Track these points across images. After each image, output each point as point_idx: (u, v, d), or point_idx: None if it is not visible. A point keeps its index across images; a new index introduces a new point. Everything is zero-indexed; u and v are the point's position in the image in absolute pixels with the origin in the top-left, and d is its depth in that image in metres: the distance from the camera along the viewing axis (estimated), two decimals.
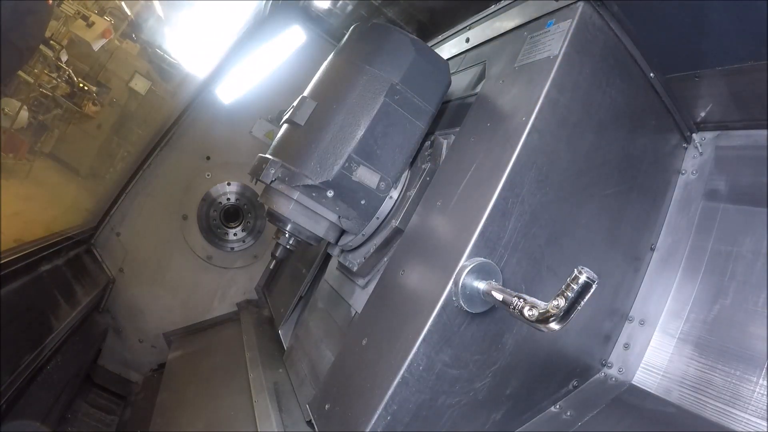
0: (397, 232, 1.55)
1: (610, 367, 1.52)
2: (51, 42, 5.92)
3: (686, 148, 1.62)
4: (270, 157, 1.56)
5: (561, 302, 0.85)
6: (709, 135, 1.58)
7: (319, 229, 1.60)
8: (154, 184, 3.21)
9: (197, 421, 2.14)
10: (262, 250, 3.46)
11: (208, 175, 3.33)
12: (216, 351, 2.95)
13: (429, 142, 1.70)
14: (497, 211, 1.17)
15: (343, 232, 1.70)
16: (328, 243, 1.80)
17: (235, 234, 3.41)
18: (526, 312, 0.91)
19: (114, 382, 3.13)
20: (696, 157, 1.60)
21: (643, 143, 1.48)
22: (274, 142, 1.65)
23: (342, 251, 1.84)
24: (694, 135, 1.60)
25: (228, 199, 3.38)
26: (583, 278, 0.84)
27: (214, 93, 3.24)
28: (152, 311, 3.26)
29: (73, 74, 6.35)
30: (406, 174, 1.64)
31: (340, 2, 3.06)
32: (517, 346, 1.27)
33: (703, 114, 1.53)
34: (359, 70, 1.53)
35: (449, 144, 1.61)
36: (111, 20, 6.76)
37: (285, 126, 1.64)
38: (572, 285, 0.84)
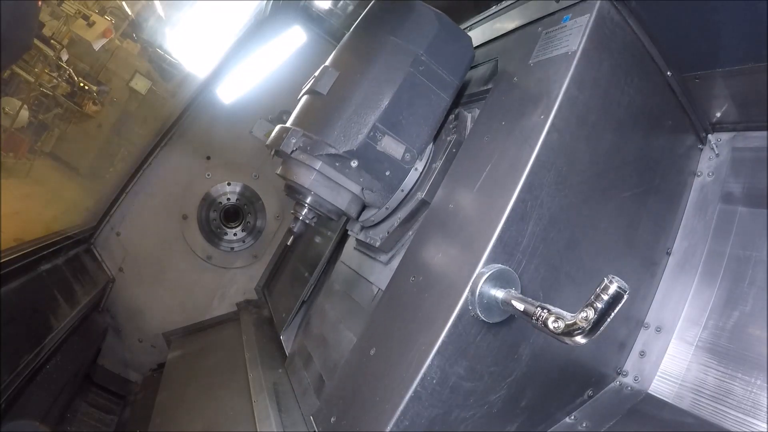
0: (423, 204, 1.50)
1: (626, 376, 1.47)
2: (52, 41, 5.93)
3: (702, 150, 1.57)
4: (291, 126, 1.50)
5: (590, 314, 0.79)
6: (725, 136, 1.53)
7: (341, 202, 1.53)
8: (154, 184, 3.21)
9: (196, 421, 2.14)
10: (262, 250, 3.46)
11: (208, 175, 3.33)
12: (215, 351, 2.95)
13: (453, 116, 1.66)
14: (516, 215, 1.11)
15: (364, 208, 1.66)
16: (346, 221, 1.74)
17: (235, 234, 3.41)
18: (551, 324, 0.85)
19: (113, 381, 3.13)
20: (712, 159, 1.54)
21: (659, 144, 1.44)
22: (294, 114, 1.60)
23: (362, 228, 1.78)
24: (709, 136, 1.55)
25: (228, 199, 3.38)
26: (613, 288, 0.78)
27: (215, 93, 3.24)
28: (152, 311, 3.26)
29: (73, 73, 6.35)
30: (430, 147, 1.59)
31: (341, 2, 3.06)
32: (533, 357, 1.22)
33: (718, 114, 1.49)
34: (383, 41, 1.50)
35: (474, 117, 1.56)
36: (111, 20, 6.77)
37: (305, 97, 1.59)
38: (602, 295, 0.78)
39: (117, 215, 3.16)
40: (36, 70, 5.86)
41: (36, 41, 5.35)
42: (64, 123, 6.80)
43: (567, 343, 0.84)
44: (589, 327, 0.80)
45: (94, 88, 6.86)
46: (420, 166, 1.56)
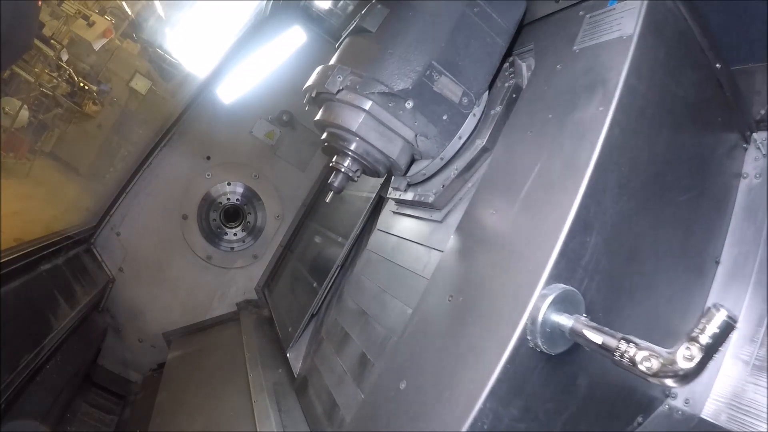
0: (483, 152, 1.38)
1: (675, 398, 1.32)
2: (52, 41, 5.93)
3: (746, 149, 1.44)
4: (336, 64, 1.37)
5: (693, 350, 0.65)
6: None
7: (392, 149, 1.39)
8: (154, 184, 3.21)
9: (196, 421, 2.14)
10: (262, 250, 3.46)
11: (208, 175, 3.32)
12: (215, 351, 2.95)
13: (507, 63, 1.55)
14: (579, 224, 0.95)
15: (411, 163, 1.54)
16: (381, 187, 1.60)
17: (235, 234, 3.41)
18: (642, 364, 0.70)
19: (113, 381, 3.13)
20: (758, 159, 1.41)
21: (708, 142, 1.32)
22: (336, 55, 1.47)
23: (408, 186, 1.63)
24: (754, 134, 1.43)
25: (228, 199, 3.38)
26: (721, 318, 0.64)
27: (215, 93, 3.24)
28: (152, 311, 3.26)
29: (73, 73, 6.35)
30: (486, 95, 1.48)
31: (341, 2, 3.06)
32: (590, 388, 1.07)
33: (762, 111, 1.38)
34: None
35: (529, 66, 1.45)
36: (112, 20, 6.77)
37: (349, 38, 1.47)
38: (707, 327, 0.65)
39: (117, 215, 3.16)
40: (36, 70, 5.87)
41: (36, 41, 5.36)
42: (64, 123, 6.80)
43: (665, 385, 0.71)
44: (693, 367, 0.65)
45: (94, 88, 6.86)
46: (477, 111, 1.44)
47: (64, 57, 6.18)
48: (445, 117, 1.38)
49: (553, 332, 0.87)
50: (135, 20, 7.10)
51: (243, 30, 3.23)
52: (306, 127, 3.45)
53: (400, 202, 1.74)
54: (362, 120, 1.34)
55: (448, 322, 1.08)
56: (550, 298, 0.87)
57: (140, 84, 7.30)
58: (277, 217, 3.46)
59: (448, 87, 1.36)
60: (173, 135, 3.23)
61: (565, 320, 0.86)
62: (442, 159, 1.46)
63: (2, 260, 1.96)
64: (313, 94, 1.42)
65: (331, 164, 1.47)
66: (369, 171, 1.47)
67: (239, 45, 3.19)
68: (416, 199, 1.56)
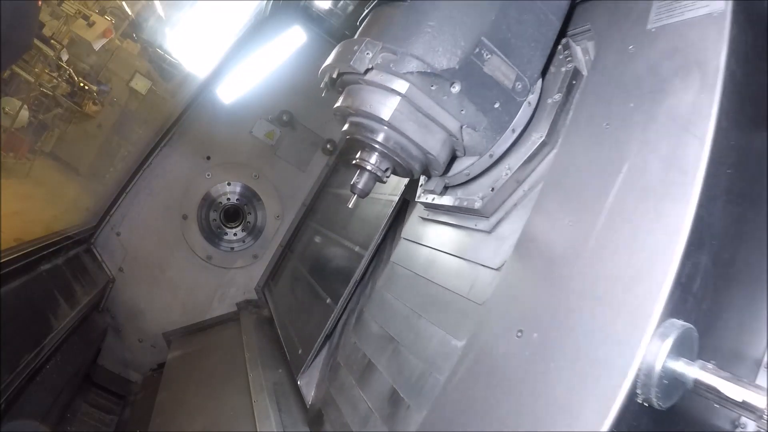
0: (543, 147, 1.19)
1: (744, 428, 1.14)
2: (52, 41, 5.93)
3: None
4: (363, 38, 1.13)
5: None
6: None
7: (432, 143, 1.16)
8: (154, 184, 3.21)
9: (196, 421, 2.14)
10: (262, 250, 3.46)
11: (208, 175, 3.33)
12: (215, 351, 2.95)
13: (561, 46, 1.36)
14: (694, 241, 0.76)
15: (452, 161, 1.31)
16: (405, 189, 1.33)
17: (235, 234, 3.41)
18: None
19: (113, 381, 3.13)
20: None
21: None
22: (362, 28, 1.23)
23: (445, 188, 1.40)
24: None
25: (228, 199, 3.38)
26: None
27: (215, 93, 3.24)
28: (152, 311, 3.26)
29: (73, 73, 6.35)
30: (539, 82, 1.27)
31: (341, 2, 3.06)
32: None
33: None
34: None
35: (584, 50, 1.28)
36: (112, 20, 6.77)
37: (372, 13, 1.24)
38: None
39: (117, 215, 3.16)
40: (36, 70, 5.87)
41: (36, 41, 5.36)
42: (64, 123, 6.80)
43: None
44: None
45: (94, 88, 6.86)
46: (533, 100, 1.22)
47: (64, 57, 6.19)
48: (497, 105, 1.16)
49: (670, 383, 0.69)
50: (135, 20, 7.10)
51: (243, 30, 3.23)
52: (306, 127, 3.45)
53: (433, 207, 1.50)
54: (397, 106, 1.10)
55: (520, 366, 0.87)
56: (669, 341, 0.68)
57: (140, 84, 7.30)
58: (277, 217, 3.46)
59: (500, 69, 1.14)
60: (173, 135, 3.23)
61: (686, 368, 0.68)
62: (491, 156, 1.23)
63: (2, 260, 1.96)
64: (334, 75, 1.17)
65: (354, 161, 1.22)
66: (401, 170, 1.23)
67: (239, 45, 3.19)
68: (458, 204, 1.33)
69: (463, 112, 1.12)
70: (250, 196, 3.42)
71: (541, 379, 0.81)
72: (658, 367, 0.68)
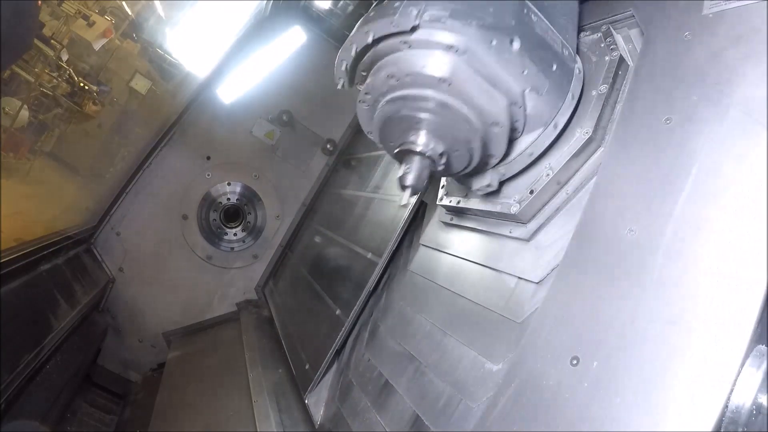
0: (589, 143, 1.08)
1: None
2: (52, 41, 5.93)
3: None
4: None
5: None
6: None
7: (497, 111, 0.98)
8: (154, 184, 3.21)
9: (196, 421, 2.14)
10: (262, 250, 3.46)
11: (208, 175, 3.33)
12: (215, 351, 2.95)
13: (601, 34, 1.23)
14: None
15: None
16: (423, 191, 1.09)
17: (235, 234, 3.41)
18: None
19: (113, 381, 3.13)
20: None
21: None
22: None
23: (469, 189, 1.24)
24: None
25: (228, 199, 3.38)
26: None
27: (215, 93, 3.24)
28: (152, 311, 3.26)
29: (73, 73, 6.35)
30: (578, 67, 1.14)
31: (341, 2, 3.06)
32: None
33: None
34: None
35: (627, 38, 1.18)
36: (112, 20, 6.77)
37: None
38: None
39: (117, 215, 3.16)
40: (36, 70, 5.87)
41: (36, 41, 5.36)
42: (64, 123, 6.80)
43: None
44: None
45: (95, 88, 6.86)
46: (575, 90, 1.10)
47: (64, 57, 6.19)
48: (554, 67, 1.03)
49: (757, 420, 0.61)
50: (135, 20, 7.10)
51: (243, 30, 3.22)
52: (306, 127, 3.45)
53: (458, 212, 1.35)
54: (454, 65, 0.91)
55: (576, 400, 0.75)
56: (762, 372, 0.60)
57: (140, 84, 7.30)
58: (277, 217, 3.46)
59: (548, 32, 1.03)
60: (173, 135, 3.23)
61: None
62: (555, 127, 1.08)
63: (2, 260, 1.96)
64: (369, 40, 0.96)
65: (397, 149, 1.00)
66: (456, 157, 1.01)
67: (239, 45, 3.19)
68: (490, 208, 1.19)
69: (525, 73, 0.98)
70: (250, 196, 3.42)
71: (603, 416, 0.69)
72: (747, 403, 0.59)
